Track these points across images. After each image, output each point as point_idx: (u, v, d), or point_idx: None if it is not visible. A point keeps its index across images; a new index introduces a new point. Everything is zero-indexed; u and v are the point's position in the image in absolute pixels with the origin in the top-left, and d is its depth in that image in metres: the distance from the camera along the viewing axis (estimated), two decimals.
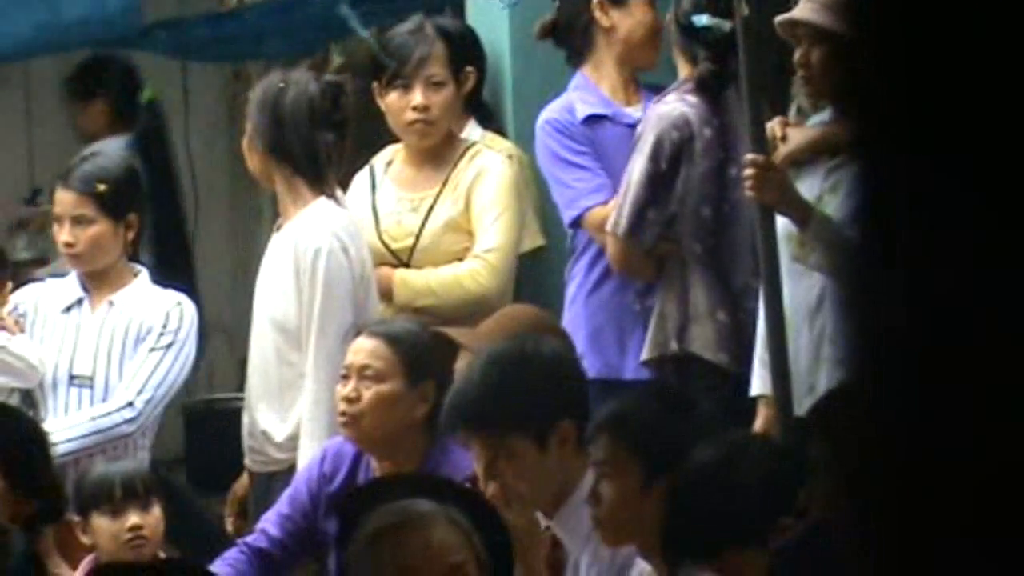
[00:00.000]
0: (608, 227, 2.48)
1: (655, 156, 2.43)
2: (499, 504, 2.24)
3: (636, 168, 2.49)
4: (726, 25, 2.30)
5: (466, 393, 2.27)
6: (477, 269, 2.43)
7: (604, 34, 2.58)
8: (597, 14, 2.56)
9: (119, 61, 3.74)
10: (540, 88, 2.62)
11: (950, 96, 0.41)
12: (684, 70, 2.51)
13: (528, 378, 2.29)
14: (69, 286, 2.56)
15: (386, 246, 2.49)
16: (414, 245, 2.46)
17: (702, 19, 2.26)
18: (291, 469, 2.40)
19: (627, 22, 2.57)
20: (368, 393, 2.32)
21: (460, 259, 2.43)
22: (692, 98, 2.44)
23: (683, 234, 2.48)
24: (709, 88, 2.38)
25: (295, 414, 2.48)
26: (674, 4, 2.53)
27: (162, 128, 3.72)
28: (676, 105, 2.44)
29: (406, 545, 1.87)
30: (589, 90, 2.66)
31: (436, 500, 1.98)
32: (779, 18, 2.47)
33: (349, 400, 2.33)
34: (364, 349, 2.36)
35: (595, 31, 2.58)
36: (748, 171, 2.42)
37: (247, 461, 2.47)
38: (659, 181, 2.46)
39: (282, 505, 2.44)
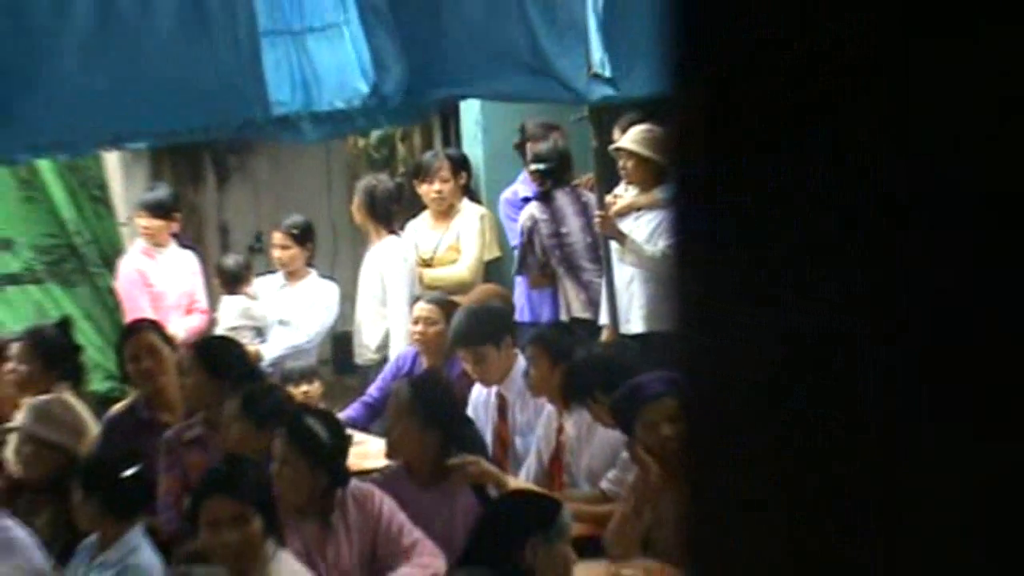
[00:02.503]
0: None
1: (521, 232, 4.69)
2: (475, 377, 4.67)
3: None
4: (552, 163, 4.66)
5: (458, 328, 4.25)
6: (463, 269, 4.96)
7: None
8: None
9: None
10: (500, 181, 5.17)
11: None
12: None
13: (488, 317, 4.62)
14: (278, 278, 5.22)
15: (420, 257, 5.00)
16: (432, 257, 4.92)
17: (540, 166, 4.74)
18: (380, 363, 5.02)
19: None
20: (430, 330, 4.38)
21: (454, 263, 4.99)
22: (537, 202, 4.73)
23: (553, 263, 4.78)
24: (546, 196, 4.74)
25: (383, 339, 5.07)
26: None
27: None
28: (529, 207, 4.71)
29: None
30: (525, 182, 5.22)
31: None
32: (612, 146, 4.82)
33: (419, 334, 4.48)
34: (424, 308, 4.43)
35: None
36: (596, 219, 4.88)
37: (358, 360, 5.10)
38: (527, 245, 4.67)
39: (377, 382, 5.02)
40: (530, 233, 4.64)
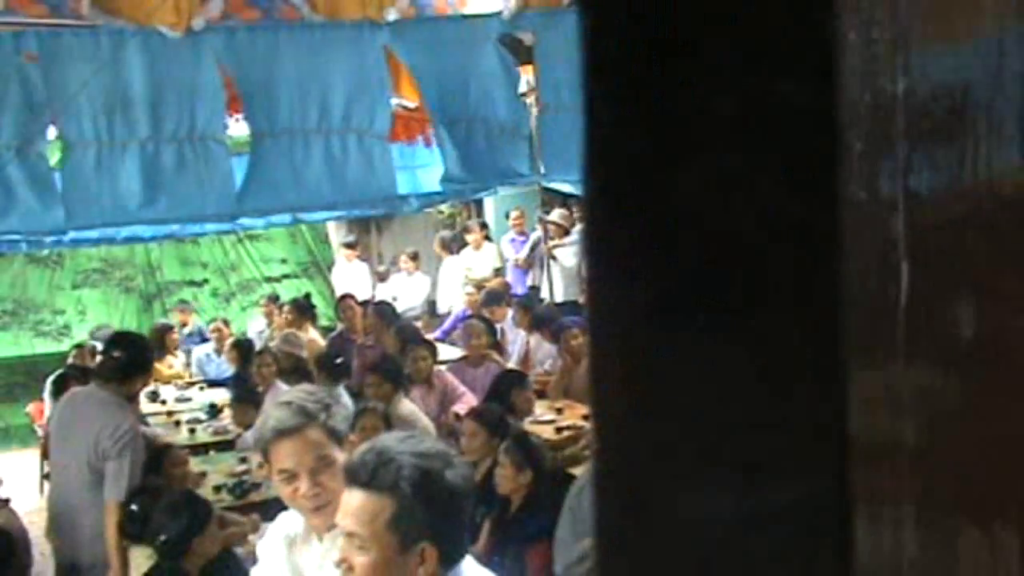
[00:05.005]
0: None
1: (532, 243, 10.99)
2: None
3: None
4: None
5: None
6: (488, 273, 10.98)
7: None
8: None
9: None
10: (500, 232, 11.24)
11: None
12: None
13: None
14: (404, 275, 11.45)
15: (467, 267, 10.92)
16: (472, 267, 10.99)
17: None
18: (447, 314, 11.11)
19: None
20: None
21: (483, 270, 11.00)
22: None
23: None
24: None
25: (450, 302, 11.10)
26: None
27: None
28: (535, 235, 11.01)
29: None
30: (512, 233, 11.21)
31: None
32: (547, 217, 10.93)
33: (468, 303, 10.94)
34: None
35: None
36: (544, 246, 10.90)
37: (439, 311, 11.24)
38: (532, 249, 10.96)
39: (446, 325, 11.12)
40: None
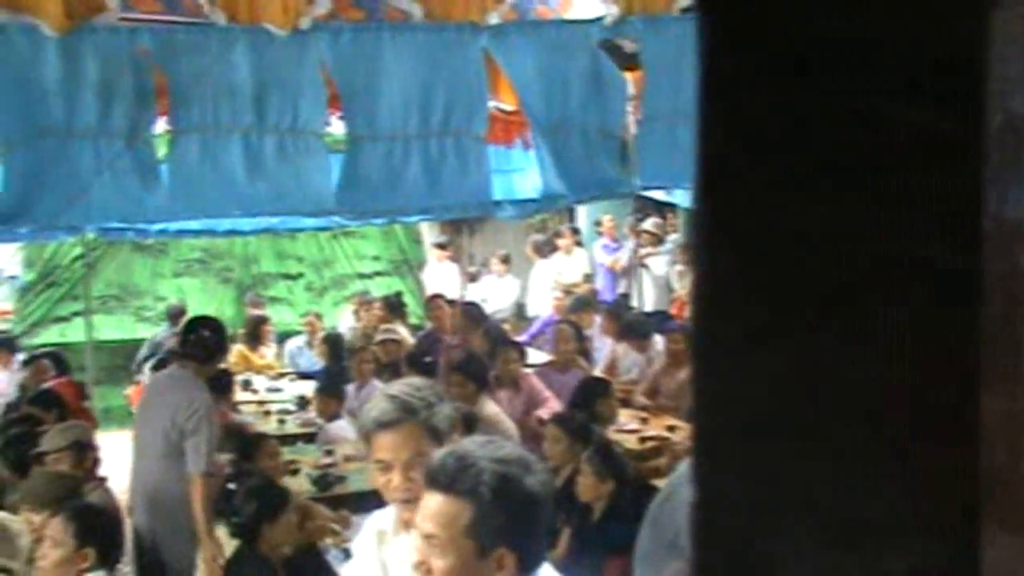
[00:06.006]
0: None
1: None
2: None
3: None
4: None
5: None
6: (577, 278, 10.99)
7: None
8: None
9: None
10: (591, 237, 11.24)
11: None
12: None
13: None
14: (495, 276, 11.53)
15: (558, 271, 11.03)
16: (563, 272, 11.02)
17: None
18: (535, 317, 11.12)
19: None
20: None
21: (573, 276, 11.02)
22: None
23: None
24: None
25: (539, 306, 11.13)
26: None
27: None
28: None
29: None
30: (603, 240, 11.20)
31: None
32: (640, 227, 10.89)
33: (555, 309, 10.95)
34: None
35: None
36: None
37: (528, 314, 11.27)
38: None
39: (533, 328, 11.13)
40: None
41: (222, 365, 6.33)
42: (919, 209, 0.31)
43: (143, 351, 8.76)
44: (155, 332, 9.23)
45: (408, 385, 2.29)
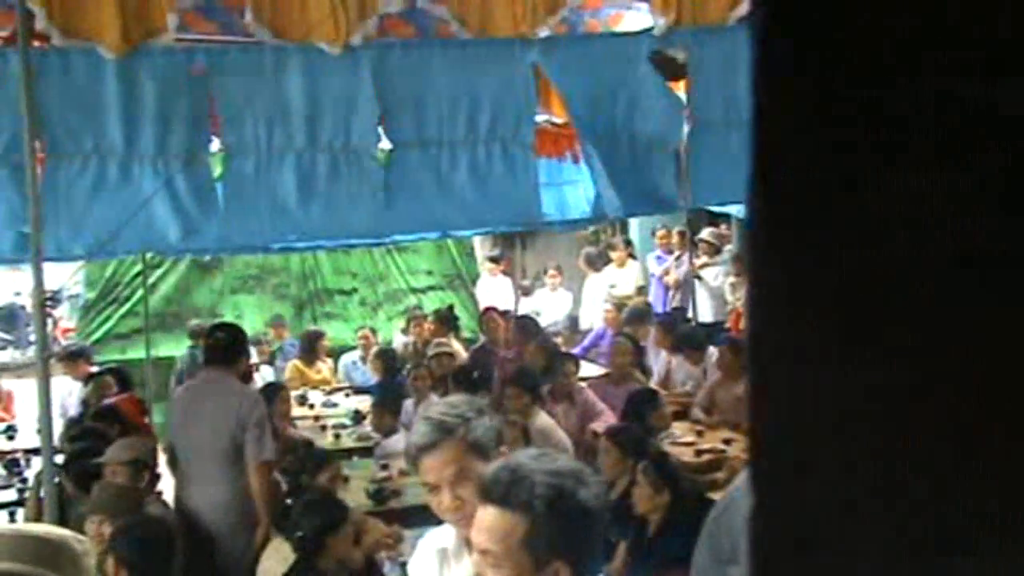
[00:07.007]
0: None
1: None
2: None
3: None
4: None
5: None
6: (630, 291, 10.92)
7: None
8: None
9: None
10: (644, 250, 11.17)
11: None
12: None
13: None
14: (548, 290, 11.52)
15: (611, 283, 10.98)
16: (616, 284, 10.96)
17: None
18: (590, 329, 11.11)
19: None
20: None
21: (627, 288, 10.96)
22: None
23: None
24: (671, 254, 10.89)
25: (591, 319, 11.10)
26: None
27: None
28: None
29: None
30: (656, 251, 11.14)
31: None
32: (697, 237, 10.81)
33: (609, 320, 10.93)
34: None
35: None
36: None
37: (581, 326, 11.25)
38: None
39: (586, 341, 11.11)
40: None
41: (274, 379, 6.36)
42: (988, 201, 0.29)
43: (176, 370, 8.95)
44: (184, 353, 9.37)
45: (445, 404, 2.29)
